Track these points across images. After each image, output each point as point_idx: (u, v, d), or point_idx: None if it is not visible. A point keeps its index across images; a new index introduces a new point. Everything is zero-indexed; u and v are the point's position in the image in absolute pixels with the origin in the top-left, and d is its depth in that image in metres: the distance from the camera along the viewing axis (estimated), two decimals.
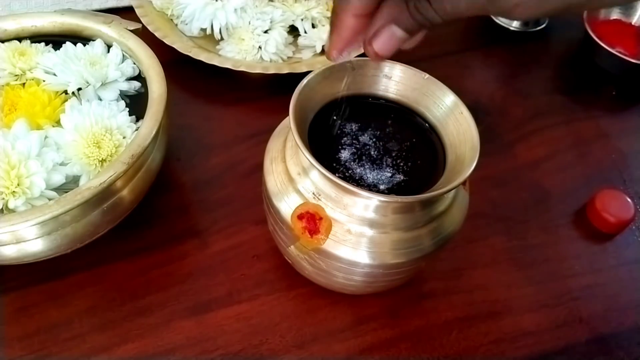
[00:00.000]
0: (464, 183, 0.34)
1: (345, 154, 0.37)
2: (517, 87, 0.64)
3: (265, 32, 0.58)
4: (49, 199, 0.38)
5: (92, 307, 0.42)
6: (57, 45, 0.47)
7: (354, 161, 0.37)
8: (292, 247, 0.37)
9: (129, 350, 0.41)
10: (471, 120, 0.36)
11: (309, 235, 0.35)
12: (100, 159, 0.40)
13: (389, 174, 0.37)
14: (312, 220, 0.35)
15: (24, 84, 0.45)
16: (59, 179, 0.39)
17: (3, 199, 0.37)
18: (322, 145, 0.37)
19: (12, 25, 0.48)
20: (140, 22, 0.57)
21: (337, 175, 0.33)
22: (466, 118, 0.36)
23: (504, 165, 0.55)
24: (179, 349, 0.41)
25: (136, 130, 0.42)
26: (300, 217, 0.35)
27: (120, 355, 0.40)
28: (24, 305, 0.42)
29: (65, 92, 0.44)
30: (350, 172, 0.37)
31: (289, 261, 0.42)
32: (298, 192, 0.36)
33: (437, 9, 0.28)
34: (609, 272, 0.48)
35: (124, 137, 0.42)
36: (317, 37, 0.60)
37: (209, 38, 0.60)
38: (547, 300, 0.46)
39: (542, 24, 0.70)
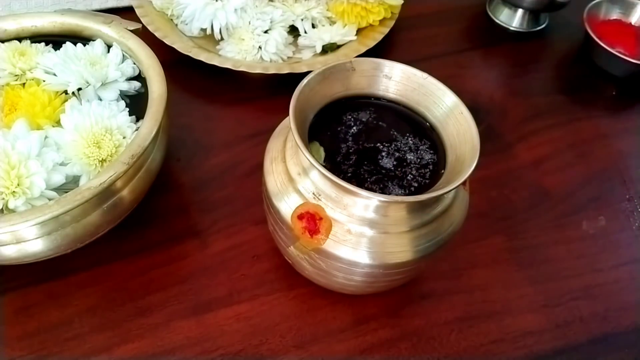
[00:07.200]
0: (464, 183, 0.34)
1: (345, 154, 0.37)
2: (517, 87, 0.64)
3: (265, 32, 0.58)
4: (49, 199, 0.38)
5: (92, 307, 0.42)
6: (57, 45, 0.47)
7: (354, 161, 0.37)
8: (292, 247, 0.37)
9: (129, 350, 0.41)
10: (471, 120, 0.36)
11: (309, 236, 0.35)
12: (100, 159, 0.40)
13: (389, 174, 0.37)
14: (312, 221, 0.35)
15: (24, 84, 0.45)
16: (59, 179, 0.39)
17: (3, 199, 0.37)
18: (323, 145, 0.37)
19: (12, 25, 0.48)
20: (140, 22, 0.57)
21: (337, 175, 0.33)
22: (466, 118, 0.36)
23: (504, 165, 0.55)
24: (179, 349, 0.41)
25: (136, 130, 0.42)
26: (300, 217, 0.35)
27: (120, 355, 0.40)
28: (24, 305, 0.42)
29: (65, 92, 0.44)
30: (350, 172, 0.37)
31: (289, 261, 0.42)
32: (298, 192, 0.36)
33: None
34: (609, 272, 0.48)
35: (124, 137, 0.42)
36: (317, 37, 0.60)
37: (209, 38, 0.60)
38: (547, 300, 0.46)
39: (542, 24, 0.70)
